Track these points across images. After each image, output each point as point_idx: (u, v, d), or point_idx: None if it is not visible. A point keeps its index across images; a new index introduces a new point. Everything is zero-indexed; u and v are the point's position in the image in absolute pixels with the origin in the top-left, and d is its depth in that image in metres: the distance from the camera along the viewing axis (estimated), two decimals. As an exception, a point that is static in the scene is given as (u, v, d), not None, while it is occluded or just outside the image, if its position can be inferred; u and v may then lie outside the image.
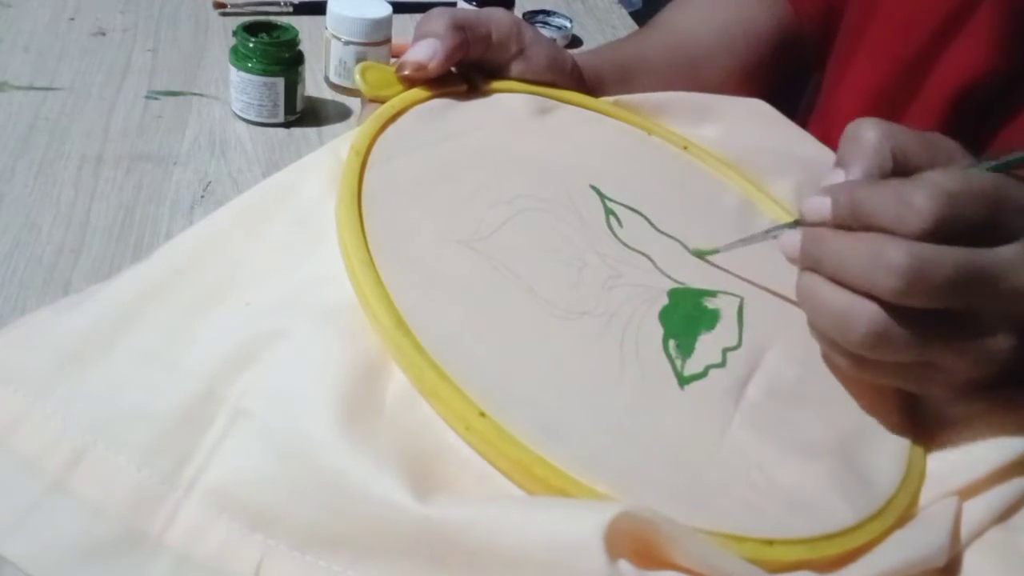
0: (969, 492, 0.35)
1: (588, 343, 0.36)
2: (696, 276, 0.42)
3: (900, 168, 0.35)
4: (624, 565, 0.27)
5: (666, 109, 0.52)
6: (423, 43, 0.45)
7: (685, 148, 0.51)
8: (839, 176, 0.36)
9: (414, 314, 0.34)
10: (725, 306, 0.41)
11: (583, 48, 0.83)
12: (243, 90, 0.62)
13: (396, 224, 0.38)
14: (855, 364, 0.35)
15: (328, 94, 0.69)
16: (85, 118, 0.61)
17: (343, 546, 0.29)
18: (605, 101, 0.51)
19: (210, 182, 0.57)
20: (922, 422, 0.38)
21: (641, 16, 1.05)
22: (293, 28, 0.63)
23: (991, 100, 0.54)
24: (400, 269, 0.35)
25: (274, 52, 0.61)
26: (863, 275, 0.32)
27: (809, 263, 0.35)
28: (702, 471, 0.33)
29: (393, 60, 0.55)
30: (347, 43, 0.65)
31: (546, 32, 0.81)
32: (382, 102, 0.44)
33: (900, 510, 0.34)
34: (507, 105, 0.47)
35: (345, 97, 0.68)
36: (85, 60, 0.68)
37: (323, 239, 0.37)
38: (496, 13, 0.48)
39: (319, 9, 0.70)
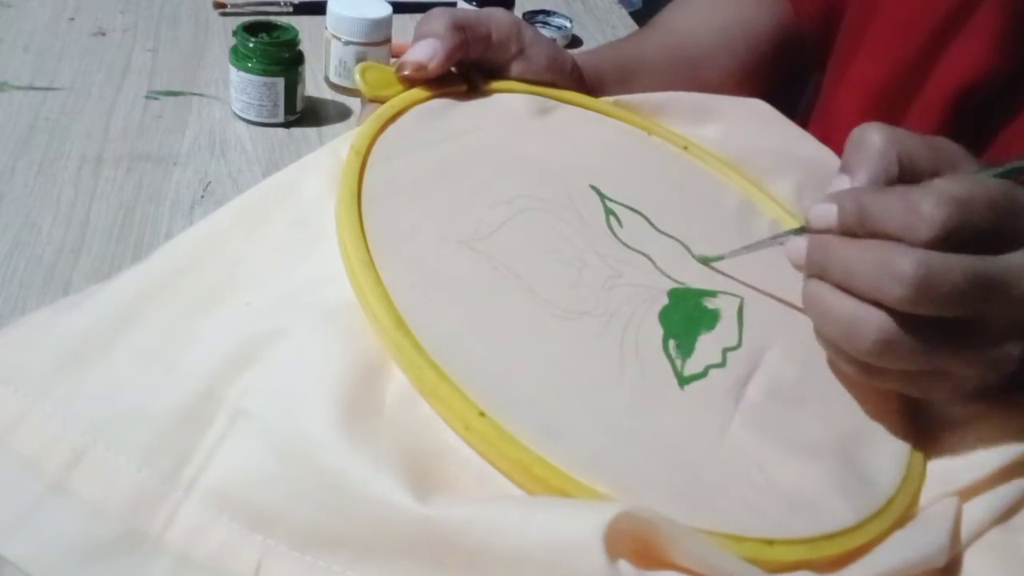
0: (969, 493, 0.35)
1: (588, 343, 0.36)
2: (696, 276, 0.42)
3: (906, 173, 0.35)
4: (624, 565, 0.27)
5: (666, 109, 0.52)
6: (423, 43, 0.45)
7: (685, 148, 0.51)
8: (844, 182, 0.35)
9: (414, 314, 0.34)
10: (725, 306, 0.41)
11: (583, 48, 0.83)
12: (243, 90, 0.62)
13: (396, 224, 0.38)
14: (862, 371, 0.35)
15: (328, 94, 0.69)
16: (85, 118, 0.61)
17: (343, 546, 0.29)
18: (605, 101, 0.51)
19: (210, 182, 0.57)
20: (922, 422, 0.38)
21: (641, 16, 1.05)
22: (293, 28, 0.63)
23: (991, 100, 0.54)
24: (400, 269, 0.35)
25: (274, 52, 0.61)
26: (871, 283, 0.32)
27: (815, 270, 0.35)
28: (702, 471, 0.33)
29: (393, 60, 0.55)
30: (347, 43, 0.65)
31: (546, 32, 0.81)
32: (382, 102, 0.44)
33: (900, 510, 0.34)
34: (507, 105, 0.47)
35: (345, 97, 0.68)
36: (85, 60, 0.68)
37: (323, 239, 0.37)
38: (496, 13, 0.48)
39: (319, 9, 0.70)
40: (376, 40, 0.66)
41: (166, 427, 0.30)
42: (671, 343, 0.37)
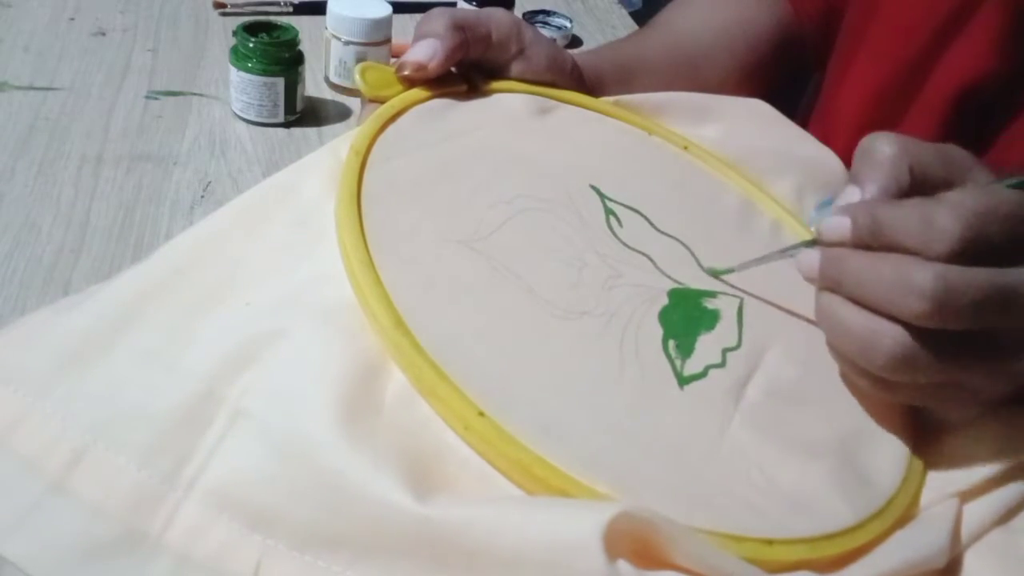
0: (970, 494, 0.35)
1: (588, 343, 0.36)
2: (696, 276, 0.42)
3: (917, 184, 0.34)
4: (623, 565, 0.27)
5: (666, 109, 0.52)
6: (423, 43, 0.45)
7: (685, 148, 0.51)
8: (855, 194, 0.35)
9: (413, 314, 0.34)
10: (725, 306, 0.41)
11: (583, 48, 0.83)
12: (243, 90, 0.62)
13: (396, 224, 0.38)
14: (876, 385, 0.35)
15: (328, 94, 0.69)
16: (85, 118, 0.61)
17: (342, 546, 0.29)
18: (605, 101, 0.51)
19: (210, 182, 0.57)
20: (923, 423, 0.38)
21: (641, 16, 1.04)
22: (293, 28, 0.63)
23: (992, 101, 0.54)
24: (399, 269, 0.35)
25: (274, 52, 0.61)
26: (888, 298, 0.32)
27: (829, 283, 0.34)
28: (702, 471, 0.33)
29: (393, 60, 0.55)
30: (347, 43, 0.65)
31: (546, 32, 0.81)
32: (382, 102, 0.44)
33: (900, 510, 0.34)
34: (507, 105, 0.47)
35: (345, 97, 0.68)
36: (85, 60, 0.68)
37: (323, 239, 0.37)
38: (496, 13, 0.48)
39: (319, 9, 0.70)
40: (376, 40, 0.66)
41: (166, 427, 0.30)
42: (671, 343, 0.37)
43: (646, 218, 0.44)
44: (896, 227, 0.32)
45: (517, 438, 0.31)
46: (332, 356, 0.32)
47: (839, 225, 0.34)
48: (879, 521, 0.33)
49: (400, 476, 0.29)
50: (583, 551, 0.27)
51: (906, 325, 0.32)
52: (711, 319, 0.40)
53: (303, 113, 0.65)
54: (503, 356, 0.34)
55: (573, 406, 0.33)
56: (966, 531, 0.34)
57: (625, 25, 0.90)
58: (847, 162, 0.51)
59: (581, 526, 0.27)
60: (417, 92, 0.45)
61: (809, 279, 0.35)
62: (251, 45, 0.61)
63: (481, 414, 0.31)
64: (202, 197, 0.55)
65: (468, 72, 0.48)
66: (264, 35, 0.62)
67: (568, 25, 0.83)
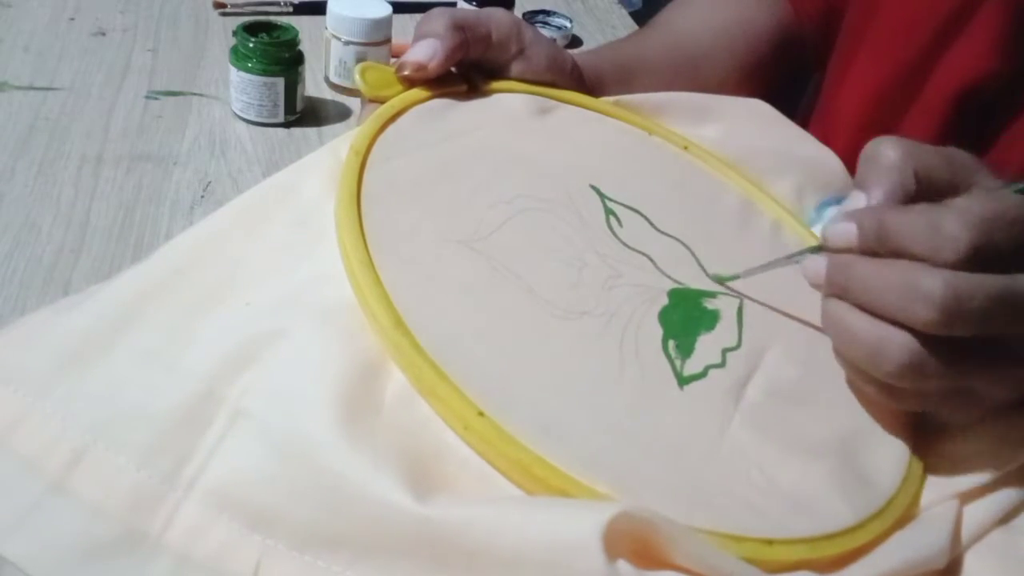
0: (970, 495, 0.35)
1: (588, 343, 0.36)
2: (696, 276, 0.42)
3: (923, 189, 0.34)
4: (623, 565, 0.27)
5: (666, 109, 0.52)
6: (423, 43, 0.45)
7: (685, 148, 0.51)
8: (860, 199, 0.34)
9: (413, 314, 0.34)
10: (725, 307, 0.41)
11: (583, 48, 0.83)
12: (243, 90, 0.62)
13: (395, 224, 0.38)
14: (883, 392, 0.34)
15: (328, 94, 0.69)
16: (85, 118, 0.61)
17: (342, 546, 0.29)
18: (605, 101, 0.51)
19: (210, 182, 0.57)
20: (923, 423, 0.38)
21: (641, 16, 1.05)
22: (293, 28, 0.63)
23: (992, 102, 0.54)
24: (399, 269, 0.35)
25: (274, 52, 0.61)
26: (896, 305, 0.31)
27: (835, 290, 0.34)
28: (702, 471, 0.33)
29: (393, 60, 0.55)
30: (347, 43, 0.65)
31: (546, 32, 0.81)
32: (382, 102, 0.44)
33: (900, 510, 0.34)
34: (507, 105, 0.47)
35: (345, 97, 0.68)
36: (85, 60, 0.68)
37: (323, 239, 0.37)
38: (496, 13, 0.48)
39: (319, 9, 0.70)
40: (376, 40, 0.66)
41: (166, 427, 0.30)
42: (671, 343, 0.37)
43: (646, 218, 0.44)
44: (903, 233, 0.32)
45: (517, 438, 0.31)
46: (332, 356, 0.32)
47: (845, 231, 0.33)
48: (879, 521, 0.33)
49: (400, 476, 0.29)
50: (583, 551, 0.27)
51: (914, 332, 0.31)
52: (711, 319, 0.40)
53: (303, 113, 0.65)
54: (503, 356, 0.34)
55: (573, 406, 0.33)
56: (966, 532, 0.34)
57: (625, 25, 0.90)
58: (847, 162, 0.51)
59: (581, 526, 0.27)
60: (417, 92, 0.45)
61: (815, 285, 0.35)
62: (251, 45, 0.61)
63: (481, 414, 0.31)
64: (202, 197, 0.55)
65: (468, 72, 0.48)
66: (264, 35, 0.62)
67: (568, 25, 0.83)
